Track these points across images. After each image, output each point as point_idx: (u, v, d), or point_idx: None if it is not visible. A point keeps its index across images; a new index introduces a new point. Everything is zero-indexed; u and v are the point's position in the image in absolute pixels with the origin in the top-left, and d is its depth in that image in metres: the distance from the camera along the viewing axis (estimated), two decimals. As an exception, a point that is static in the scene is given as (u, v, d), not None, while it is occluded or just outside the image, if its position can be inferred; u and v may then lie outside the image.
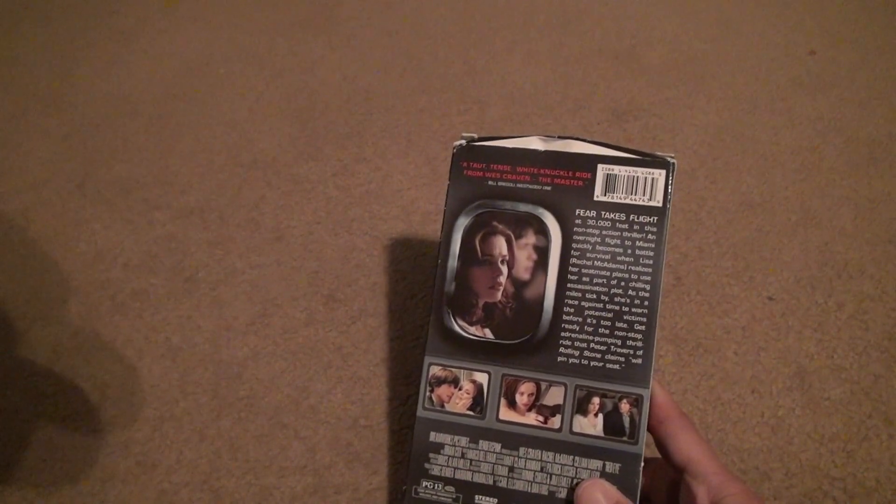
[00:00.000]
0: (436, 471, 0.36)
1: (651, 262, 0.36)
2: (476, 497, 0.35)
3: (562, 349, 0.36)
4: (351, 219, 0.59)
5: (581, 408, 0.35)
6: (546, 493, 0.35)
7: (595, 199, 0.37)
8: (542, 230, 0.37)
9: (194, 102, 0.71)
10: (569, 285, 0.36)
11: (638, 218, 0.36)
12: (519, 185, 0.38)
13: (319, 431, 0.46)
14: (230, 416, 0.47)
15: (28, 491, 0.45)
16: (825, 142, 0.62)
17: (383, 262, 0.55)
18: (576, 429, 0.35)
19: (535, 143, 0.38)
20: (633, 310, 0.35)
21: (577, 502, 0.33)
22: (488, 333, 0.37)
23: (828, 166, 0.60)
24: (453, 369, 0.37)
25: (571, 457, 0.35)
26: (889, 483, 0.42)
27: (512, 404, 0.36)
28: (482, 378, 0.36)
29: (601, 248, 0.36)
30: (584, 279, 0.36)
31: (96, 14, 0.85)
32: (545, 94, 0.68)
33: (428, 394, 0.37)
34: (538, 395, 0.36)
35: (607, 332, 0.35)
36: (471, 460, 0.36)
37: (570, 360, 0.35)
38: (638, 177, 0.37)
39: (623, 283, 0.36)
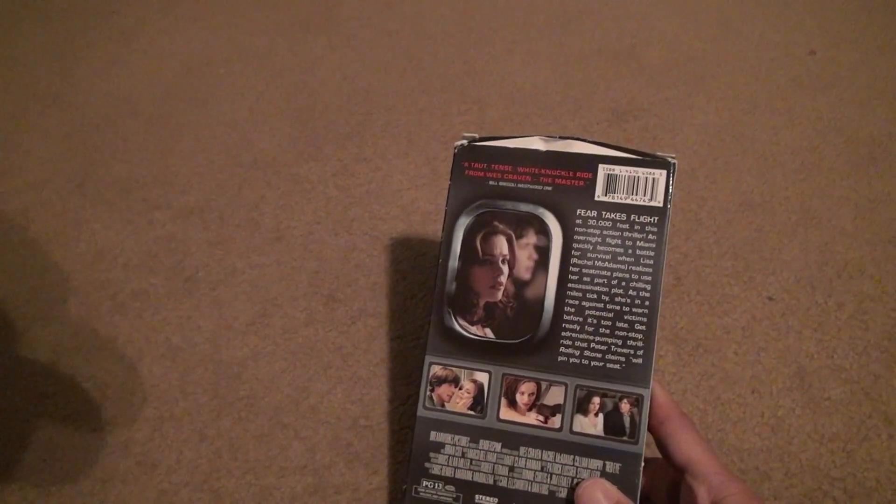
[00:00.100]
0: (436, 470, 0.36)
1: (652, 262, 0.36)
2: (476, 496, 0.35)
3: (562, 349, 0.36)
4: (351, 219, 0.59)
5: (581, 407, 0.35)
6: (546, 493, 0.35)
7: (596, 199, 0.37)
8: (543, 230, 0.37)
9: (194, 102, 0.71)
10: (569, 285, 0.36)
11: (639, 218, 0.36)
12: (520, 185, 0.38)
13: (319, 431, 0.46)
14: (230, 416, 0.47)
15: (28, 491, 0.45)
16: (825, 142, 0.62)
17: (383, 262, 0.55)
18: (576, 428, 0.35)
19: (536, 144, 0.38)
20: (634, 310, 0.35)
21: (578, 502, 0.33)
22: (489, 333, 0.37)
23: (828, 166, 0.60)
24: (454, 369, 0.37)
25: (572, 456, 0.35)
26: (889, 483, 0.42)
27: (512, 404, 0.36)
28: (483, 377, 0.36)
29: (602, 248, 0.36)
30: (584, 279, 0.36)
31: (96, 14, 0.85)
32: (545, 94, 0.68)
33: (428, 393, 0.37)
34: (539, 394, 0.36)
35: (608, 331, 0.35)
36: (471, 460, 0.36)
37: (571, 360, 0.36)
38: (639, 177, 0.37)
39: (624, 283, 0.36)
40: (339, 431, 0.46)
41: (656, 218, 0.36)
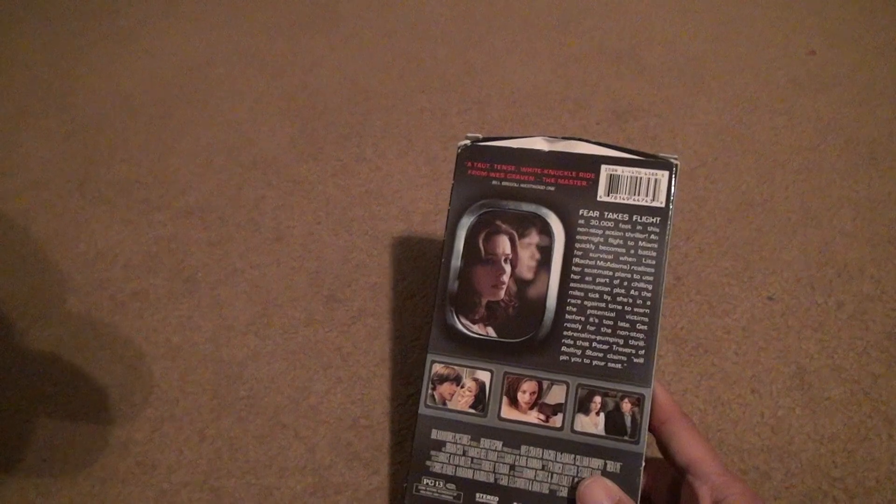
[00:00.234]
0: (437, 468, 0.36)
1: (653, 262, 0.36)
2: (477, 495, 0.35)
3: (564, 348, 0.36)
4: (351, 219, 0.59)
5: (583, 406, 0.35)
6: (547, 492, 0.35)
7: (598, 199, 0.37)
8: (546, 230, 0.37)
9: (194, 102, 0.71)
10: (571, 284, 0.36)
11: (641, 218, 0.36)
12: (523, 185, 0.38)
13: (319, 431, 0.46)
14: (230, 416, 0.47)
15: (28, 491, 0.45)
16: (825, 142, 0.62)
17: (383, 262, 0.55)
18: (577, 427, 0.35)
19: (539, 144, 0.38)
20: (636, 309, 0.35)
21: (580, 499, 0.33)
22: (491, 332, 0.37)
23: (828, 166, 0.60)
24: (456, 367, 0.37)
25: (573, 455, 0.35)
26: (889, 483, 0.42)
27: (514, 402, 0.36)
28: (484, 376, 0.37)
29: (604, 247, 0.36)
30: (586, 278, 0.36)
31: (96, 14, 0.85)
32: (545, 94, 0.68)
33: (430, 391, 0.37)
34: (540, 393, 0.36)
35: (609, 331, 0.36)
36: (472, 458, 0.36)
37: (573, 359, 0.36)
38: (641, 177, 0.37)
39: (626, 283, 0.36)
40: (339, 431, 0.46)
41: (658, 218, 0.36)
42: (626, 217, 0.37)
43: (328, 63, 0.74)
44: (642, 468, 0.34)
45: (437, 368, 0.37)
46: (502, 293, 0.37)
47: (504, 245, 0.38)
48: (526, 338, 0.36)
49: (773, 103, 0.66)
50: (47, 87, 0.74)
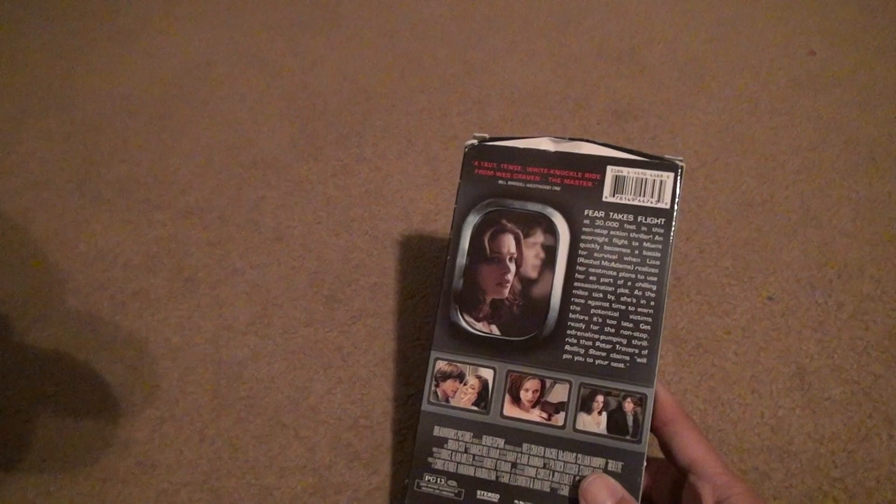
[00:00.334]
0: (439, 465, 0.36)
1: (658, 262, 0.36)
2: (478, 492, 0.36)
3: (567, 347, 0.36)
4: (351, 219, 0.59)
5: (585, 405, 0.35)
6: (548, 490, 0.35)
7: (604, 199, 0.37)
8: (551, 229, 0.38)
9: (194, 102, 0.71)
10: (576, 284, 0.37)
11: (646, 219, 0.37)
12: (529, 185, 0.38)
13: (319, 431, 0.46)
14: (230, 416, 0.47)
15: (28, 491, 0.45)
16: (825, 142, 0.62)
17: (383, 262, 0.55)
18: (579, 426, 0.35)
19: (545, 144, 0.39)
20: (639, 309, 0.36)
21: (582, 496, 0.33)
22: (495, 330, 0.37)
23: (828, 166, 0.60)
24: (459, 364, 0.37)
25: (574, 454, 0.35)
26: (889, 483, 0.42)
27: (516, 400, 0.36)
28: (487, 374, 0.37)
29: (609, 248, 0.37)
30: (591, 278, 0.37)
31: (96, 14, 0.85)
32: (545, 94, 0.68)
33: (433, 388, 0.37)
34: (543, 391, 0.36)
35: (613, 330, 0.36)
36: (474, 455, 0.36)
37: (576, 358, 0.36)
38: (646, 179, 0.37)
39: (629, 283, 0.36)
40: (339, 431, 0.46)
41: (663, 219, 0.37)
42: (630, 218, 0.37)
43: (328, 63, 0.75)
44: (644, 468, 0.34)
45: (441, 365, 0.37)
46: (507, 291, 0.37)
47: (509, 244, 0.38)
48: (529, 336, 0.37)
49: (773, 103, 0.66)
50: (47, 87, 0.74)
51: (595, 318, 0.36)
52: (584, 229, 0.37)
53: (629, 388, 0.35)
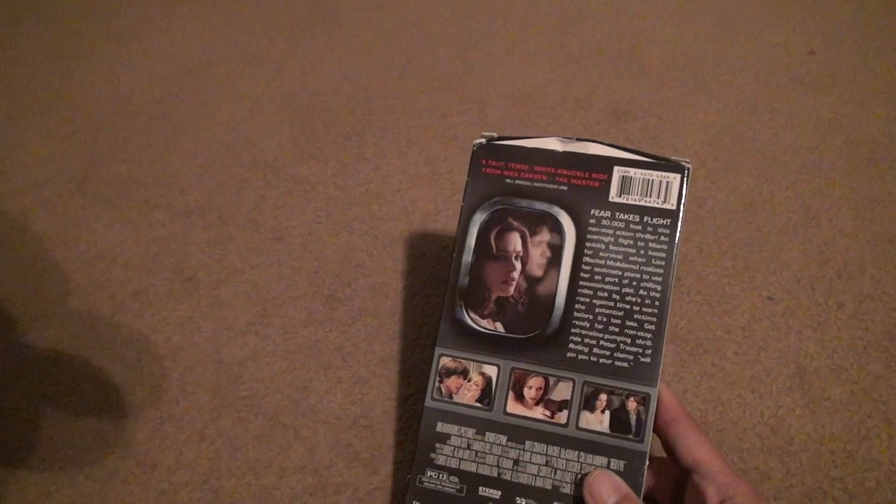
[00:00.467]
0: (441, 461, 0.36)
1: (663, 263, 0.36)
2: (480, 489, 0.36)
3: (571, 345, 0.36)
4: (351, 219, 0.59)
5: (588, 404, 0.35)
6: (550, 488, 0.35)
7: (610, 200, 0.38)
8: (557, 228, 0.38)
9: (194, 102, 0.71)
10: (581, 283, 0.37)
11: (651, 220, 0.37)
12: (536, 184, 0.39)
13: (319, 431, 0.46)
14: (230, 416, 0.47)
15: (28, 491, 0.45)
16: (825, 142, 0.62)
17: (383, 262, 0.55)
18: (582, 424, 0.35)
19: (553, 144, 0.39)
20: (644, 309, 0.36)
21: (587, 491, 0.33)
22: (499, 327, 0.37)
23: (828, 166, 0.60)
24: (463, 361, 0.37)
25: (577, 452, 0.35)
26: (889, 483, 0.42)
27: (520, 398, 0.36)
28: (491, 371, 0.37)
29: (614, 247, 0.37)
30: (596, 277, 0.37)
31: (96, 14, 0.85)
32: (545, 94, 0.68)
33: (437, 384, 0.37)
34: (546, 389, 0.36)
35: (617, 330, 0.36)
36: (476, 452, 0.36)
37: (580, 357, 0.36)
38: (653, 180, 0.37)
39: (634, 283, 0.36)
40: (339, 431, 0.46)
41: (669, 220, 0.37)
42: (636, 218, 0.37)
43: (328, 63, 0.75)
44: (646, 467, 0.34)
45: (445, 362, 0.37)
46: (512, 289, 0.38)
47: (515, 242, 0.38)
48: (534, 334, 0.37)
49: (773, 103, 0.66)
50: (47, 87, 0.74)
51: (599, 317, 0.36)
52: (591, 229, 0.37)
53: (632, 387, 0.35)
